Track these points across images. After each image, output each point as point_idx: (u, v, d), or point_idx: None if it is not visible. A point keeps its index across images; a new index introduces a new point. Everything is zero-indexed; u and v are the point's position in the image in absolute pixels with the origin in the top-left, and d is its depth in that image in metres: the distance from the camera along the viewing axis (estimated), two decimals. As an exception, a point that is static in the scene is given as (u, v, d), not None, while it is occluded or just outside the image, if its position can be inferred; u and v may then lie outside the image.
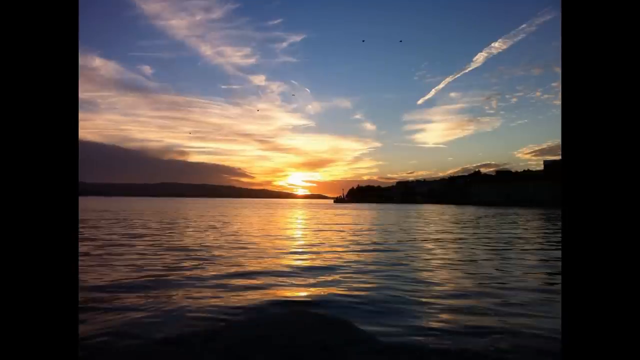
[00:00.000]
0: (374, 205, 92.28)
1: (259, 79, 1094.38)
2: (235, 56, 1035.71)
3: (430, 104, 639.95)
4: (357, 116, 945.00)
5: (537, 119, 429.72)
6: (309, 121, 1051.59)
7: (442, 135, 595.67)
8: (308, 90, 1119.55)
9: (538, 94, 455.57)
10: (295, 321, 4.52)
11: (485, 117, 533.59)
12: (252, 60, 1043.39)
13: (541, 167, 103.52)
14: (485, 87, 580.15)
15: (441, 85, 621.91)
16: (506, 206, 72.68)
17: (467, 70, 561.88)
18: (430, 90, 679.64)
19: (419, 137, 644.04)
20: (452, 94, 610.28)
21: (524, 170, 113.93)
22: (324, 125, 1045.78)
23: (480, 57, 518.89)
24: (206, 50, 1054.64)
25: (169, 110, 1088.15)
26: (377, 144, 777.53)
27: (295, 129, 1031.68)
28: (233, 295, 5.63)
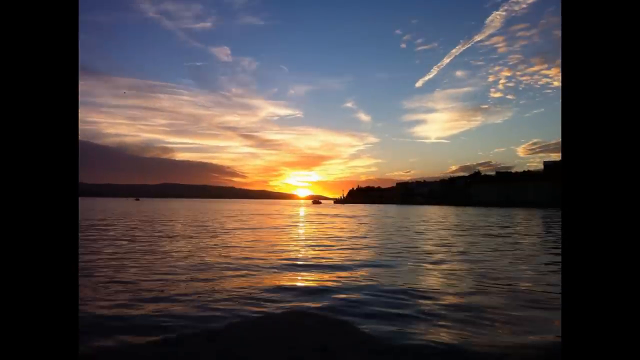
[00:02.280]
0: (374, 206, 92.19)
1: (224, 52, 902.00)
2: (186, 18, 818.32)
3: (431, 86, 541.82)
4: (349, 104, 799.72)
5: (554, 106, 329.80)
6: (295, 110, 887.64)
7: (444, 128, 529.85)
8: (286, 69, 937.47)
9: (556, 70, 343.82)
10: (295, 322, 4.52)
11: (496, 106, 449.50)
12: (208, 24, 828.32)
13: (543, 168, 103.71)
14: (495, 60, 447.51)
15: (446, 60, 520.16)
16: (506, 207, 72.66)
17: (478, 39, 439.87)
18: (431, 67, 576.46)
19: (419, 130, 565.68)
20: (459, 73, 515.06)
21: (524, 171, 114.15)
22: (313, 116, 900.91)
23: (496, 19, 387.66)
24: (148, 8, 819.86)
25: (133, 98, 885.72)
26: (374, 139, 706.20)
27: (282, 121, 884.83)
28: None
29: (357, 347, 3.72)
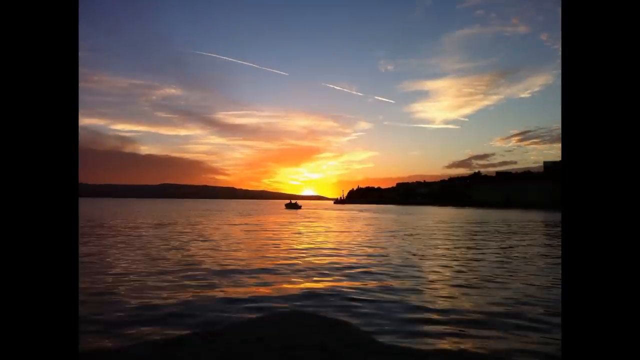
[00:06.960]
0: (373, 207, 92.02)
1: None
2: None
3: (435, 35, 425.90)
4: (323, 66, 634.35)
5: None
6: (253, 75, 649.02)
7: (453, 107, 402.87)
8: None
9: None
10: (295, 322, 4.51)
11: (518, 69, 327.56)
12: None
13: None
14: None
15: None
16: (506, 208, 72.58)
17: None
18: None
19: (420, 110, 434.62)
20: (480, 12, 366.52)
21: (525, 171, 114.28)
22: (284, 90, 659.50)
23: None
24: None
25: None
26: (366, 125, 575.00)
27: (243, 96, 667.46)
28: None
29: (356, 347, 3.71)
